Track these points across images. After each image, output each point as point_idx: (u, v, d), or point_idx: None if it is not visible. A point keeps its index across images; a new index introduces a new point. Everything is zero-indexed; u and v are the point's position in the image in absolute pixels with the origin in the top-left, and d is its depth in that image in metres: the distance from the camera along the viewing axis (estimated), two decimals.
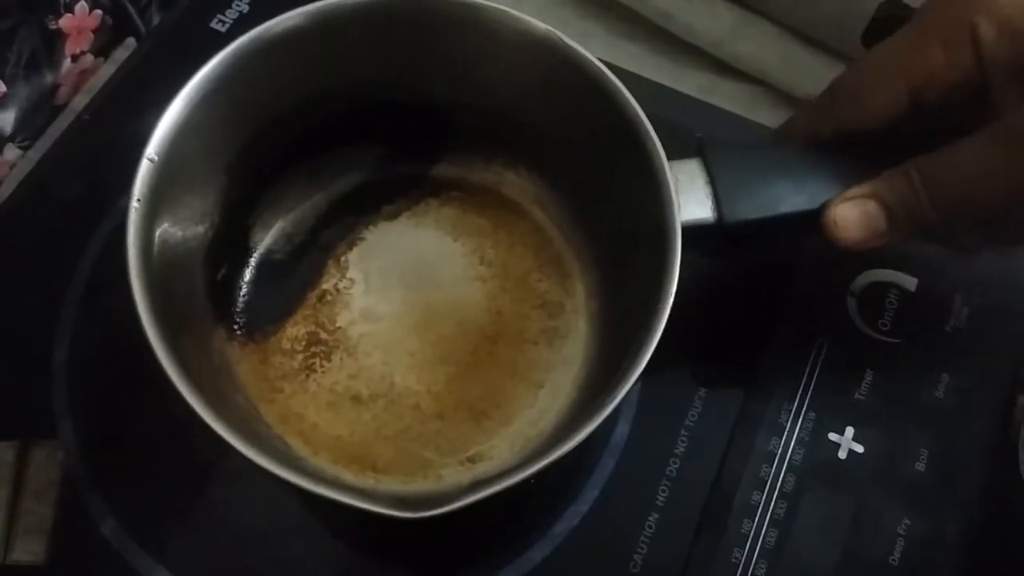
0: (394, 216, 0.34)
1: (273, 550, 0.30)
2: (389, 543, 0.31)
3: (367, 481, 0.29)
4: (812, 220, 0.30)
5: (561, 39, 0.29)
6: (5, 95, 0.37)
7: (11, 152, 0.39)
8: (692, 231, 0.27)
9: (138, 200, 0.26)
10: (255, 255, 0.33)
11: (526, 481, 0.24)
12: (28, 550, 0.30)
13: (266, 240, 0.33)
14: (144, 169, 0.26)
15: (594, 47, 0.30)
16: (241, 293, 0.32)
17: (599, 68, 0.29)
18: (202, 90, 0.28)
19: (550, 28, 0.30)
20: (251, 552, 0.30)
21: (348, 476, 0.30)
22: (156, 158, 0.27)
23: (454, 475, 0.30)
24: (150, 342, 0.24)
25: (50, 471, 0.30)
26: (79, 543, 0.30)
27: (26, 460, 0.31)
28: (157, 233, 0.27)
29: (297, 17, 0.29)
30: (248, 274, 0.33)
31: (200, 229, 0.30)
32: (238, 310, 0.32)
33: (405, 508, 0.23)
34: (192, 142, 0.28)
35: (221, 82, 0.28)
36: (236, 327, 0.32)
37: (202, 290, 0.30)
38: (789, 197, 0.29)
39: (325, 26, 0.29)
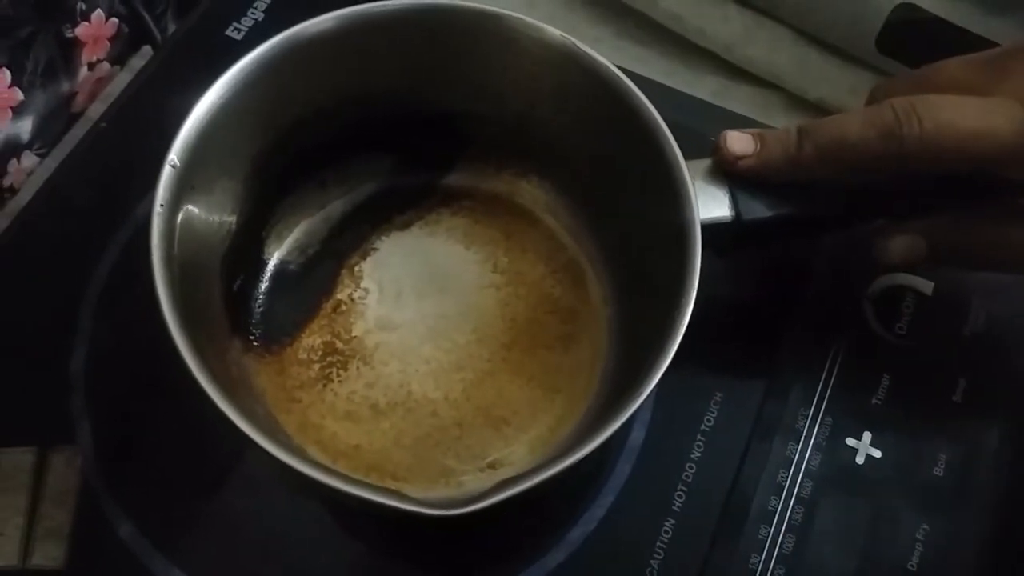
0: (406, 226, 0.34)
1: (288, 554, 0.30)
2: (406, 549, 0.31)
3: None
4: (827, 219, 0.30)
5: (577, 46, 0.30)
6: (22, 103, 0.38)
7: (28, 159, 0.39)
8: (709, 230, 0.27)
9: (161, 205, 0.26)
10: (270, 266, 0.33)
11: (549, 483, 0.24)
12: (48, 555, 0.30)
13: (280, 251, 0.33)
14: (167, 174, 0.27)
15: (605, 52, 0.30)
16: (257, 304, 0.33)
17: (615, 73, 0.29)
18: (224, 96, 0.28)
19: (566, 35, 0.30)
20: (266, 555, 0.30)
21: None
22: (178, 163, 0.27)
23: (475, 482, 0.30)
24: (177, 346, 0.24)
25: (69, 476, 0.31)
26: (97, 547, 0.30)
27: (45, 465, 0.31)
28: (176, 240, 0.27)
29: (324, 23, 0.29)
30: (263, 285, 0.33)
31: (217, 238, 0.30)
32: (254, 321, 0.32)
33: (434, 507, 0.23)
34: (212, 148, 0.28)
35: (242, 88, 0.28)
36: (252, 338, 0.32)
37: (219, 301, 0.31)
38: (807, 195, 0.29)
39: (348, 33, 0.30)
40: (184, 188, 0.27)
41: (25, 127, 0.38)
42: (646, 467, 0.31)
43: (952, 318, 0.34)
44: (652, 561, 0.30)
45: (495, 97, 0.32)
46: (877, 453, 0.32)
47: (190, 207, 0.28)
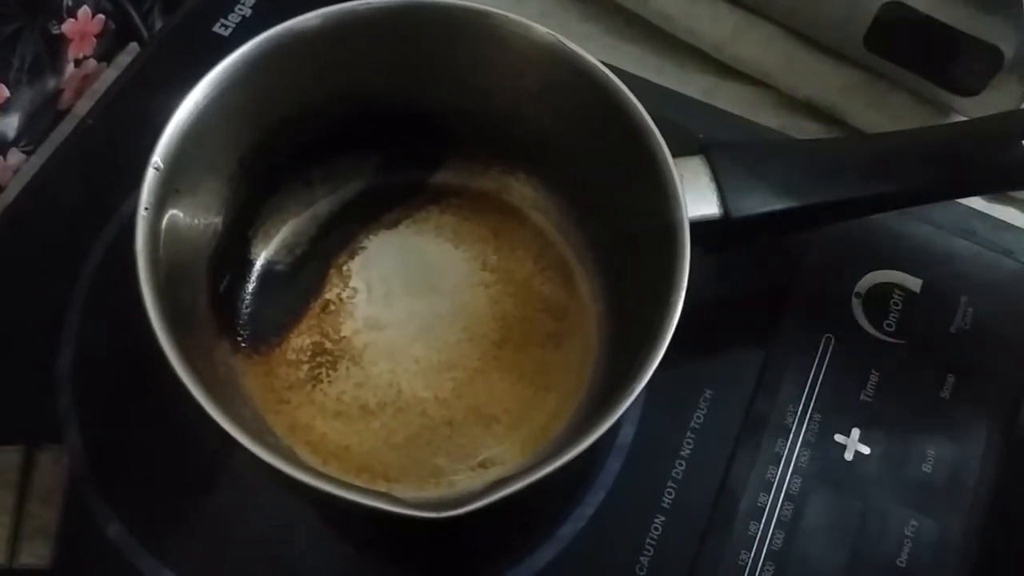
0: (394, 224, 0.34)
1: (278, 553, 0.30)
2: (395, 547, 0.31)
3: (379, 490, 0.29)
4: (816, 215, 0.30)
5: (565, 44, 0.30)
6: (8, 100, 0.37)
7: (14, 157, 0.39)
8: (698, 228, 0.28)
9: (146, 208, 0.26)
10: (257, 266, 0.33)
11: (541, 483, 0.23)
12: (34, 554, 0.30)
13: (267, 251, 0.33)
14: (151, 177, 0.26)
15: (595, 49, 0.30)
16: (244, 305, 0.32)
17: (602, 71, 0.29)
18: (208, 96, 0.28)
19: (554, 33, 0.30)
20: (256, 555, 0.30)
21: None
22: (162, 166, 0.27)
23: (466, 481, 0.30)
24: (164, 350, 0.24)
25: (56, 475, 0.30)
26: (85, 547, 0.30)
27: (32, 464, 0.31)
28: (162, 243, 0.27)
29: (309, 20, 0.29)
30: (250, 286, 0.33)
31: (203, 239, 0.30)
32: (242, 322, 0.32)
33: (427, 509, 0.23)
34: (197, 149, 0.28)
35: (226, 87, 0.28)
36: (240, 339, 0.32)
37: (205, 302, 0.30)
38: (793, 191, 0.29)
39: (334, 30, 0.30)
40: (169, 190, 0.27)
41: (11, 124, 0.38)
42: (636, 464, 0.31)
43: (941, 315, 0.34)
44: (642, 558, 0.30)
45: (483, 94, 0.32)
46: (866, 450, 0.32)
47: (175, 209, 0.28)
